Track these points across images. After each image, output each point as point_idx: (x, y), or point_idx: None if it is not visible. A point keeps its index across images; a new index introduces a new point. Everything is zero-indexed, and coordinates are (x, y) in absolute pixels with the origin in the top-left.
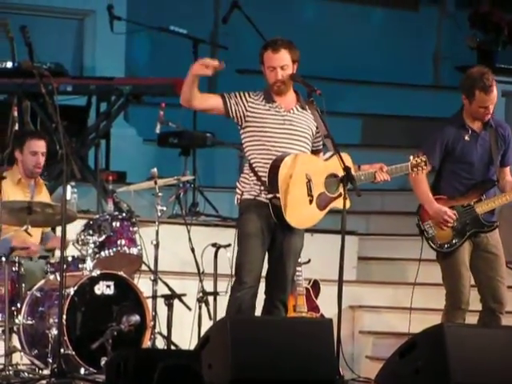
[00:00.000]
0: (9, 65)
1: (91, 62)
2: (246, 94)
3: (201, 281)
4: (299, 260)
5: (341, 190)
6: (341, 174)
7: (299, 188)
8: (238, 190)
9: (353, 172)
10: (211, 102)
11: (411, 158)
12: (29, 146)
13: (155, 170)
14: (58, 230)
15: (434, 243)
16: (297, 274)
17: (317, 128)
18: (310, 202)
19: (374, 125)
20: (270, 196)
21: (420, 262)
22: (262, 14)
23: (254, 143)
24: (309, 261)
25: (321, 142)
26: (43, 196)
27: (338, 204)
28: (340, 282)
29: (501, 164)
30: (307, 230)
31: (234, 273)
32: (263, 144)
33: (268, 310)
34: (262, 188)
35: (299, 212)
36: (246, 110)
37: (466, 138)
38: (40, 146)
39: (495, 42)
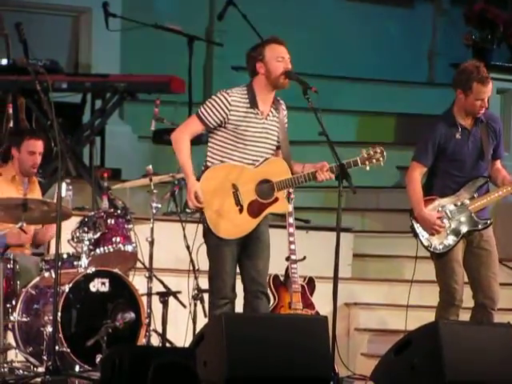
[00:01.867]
0: (4, 62)
1: (86, 59)
2: (227, 105)
3: (196, 278)
4: (294, 257)
5: (276, 194)
6: (273, 178)
7: (224, 199)
8: None
9: (289, 175)
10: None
11: (363, 151)
12: (27, 145)
13: (150, 167)
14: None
15: (428, 245)
16: (292, 271)
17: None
18: (240, 211)
19: (369, 122)
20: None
21: (417, 260)
22: (258, 11)
23: (227, 146)
24: (304, 258)
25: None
26: (35, 194)
27: (275, 209)
28: (335, 279)
29: (492, 157)
30: (302, 228)
31: (209, 284)
32: (237, 149)
33: (248, 301)
34: None
35: (227, 223)
36: (226, 122)
37: (457, 136)
38: (38, 145)
39: (490, 39)
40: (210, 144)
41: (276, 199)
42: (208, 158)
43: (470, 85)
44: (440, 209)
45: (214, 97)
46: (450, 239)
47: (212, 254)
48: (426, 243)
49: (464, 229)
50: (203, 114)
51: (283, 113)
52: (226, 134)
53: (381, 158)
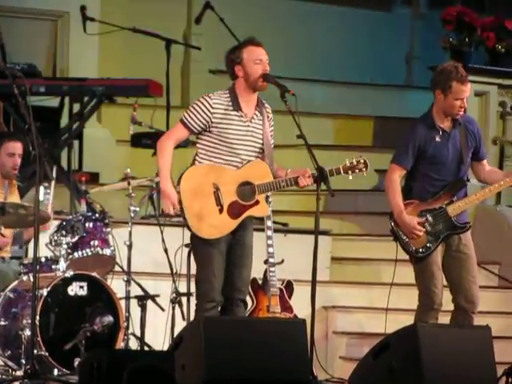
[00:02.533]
0: None
1: (64, 62)
2: (209, 108)
3: (174, 281)
4: (273, 261)
5: (256, 197)
6: (255, 181)
7: (205, 198)
8: None
9: (271, 178)
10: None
11: (347, 160)
12: (6, 147)
13: (128, 170)
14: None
15: (408, 248)
16: (270, 274)
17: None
18: (220, 211)
19: (346, 125)
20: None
21: (396, 263)
22: (235, 15)
23: (212, 150)
24: (282, 261)
25: None
26: (14, 197)
27: (255, 212)
28: (313, 282)
29: (477, 159)
30: (280, 231)
31: (195, 287)
32: (222, 152)
33: (227, 308)
34: None
35: (207, 222)
36: (211, 126)
37: (437, 138)
38: (17, 147)
39: (468, 43)
40: (198, 149)
41: (257, 202)
42: (196, 163)
43: (449, 84)
44: (420, 213)
45: (196, 101)
46: (430, 243)
47: (199, 257)
48: (405, 247)
49: (444, 232)
50: (186, 120)
51: (268, 116)
52: (211, 138)
53: (364, 169)
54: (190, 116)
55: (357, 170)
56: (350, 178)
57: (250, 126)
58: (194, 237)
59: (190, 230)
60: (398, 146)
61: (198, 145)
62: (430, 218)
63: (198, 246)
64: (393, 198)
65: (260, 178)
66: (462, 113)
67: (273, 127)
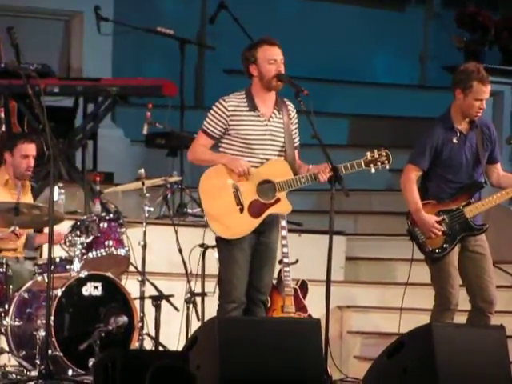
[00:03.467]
0: None
1: (78, 63)
2: (224, 111)
3: (188, 281)
4: (287, 260)
5: (277, 195)
6: (275, 179)
7: (225, 198)
8: None
9: (291, 176)
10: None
11: (368, 153)
12: (20, 149)
13: (142, 170)
14: (45, 230)
15: (425, 248)
16: (285, 274)
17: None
18: (241, 210)
19: (361, 125)
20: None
21: (412, 262)
22: (249, 15)
23: (233, 152)
24: (296, 261)
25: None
26: (28, 198)
27: (277, 209)
28: (328, 282)
29: (491, 162)
30: (295, 231)
31: (218, 287)
32: (243, 154)
33: (248, 309)
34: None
35: (227, 222)
36: (229, 129)
37: (455, 140)
38: (31, 149)
39: (482, 42)
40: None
41: (278, 200)
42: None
43: (470, 84)
44: (437, 213)
45: (212, 107)
46: (446, 243)
47: (223, 257)
48: (422, 247)
49: (460, 233)
50: (206, 127)
51: (290, 114)
52: (230, 141)
53: (386, 161)
54: (208, 123)
55: (379, 163)
56: (373, 171)
57: (269, 125)
58: (218, 237)
59: (212, 230)
60: (416, 146)
61: (220, 148)
62: (446, 219)
63: (222, 246)
64: (410, 196)
65: (280, 176)
66: (480, 114)
67: (297, 125)
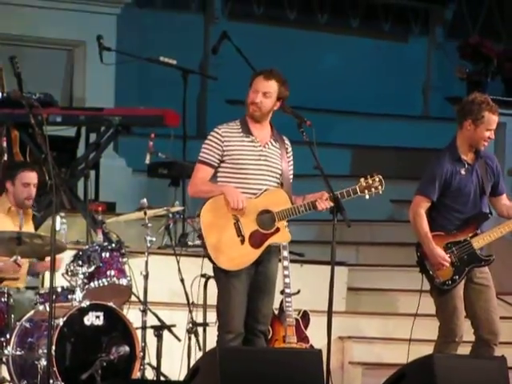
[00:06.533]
0: None
1: (81, 92)
2: (219, 137)
3: (190, 312)
4: (289, 291)
5: (277, 224)
6: (274, 209)
7: (226, 230)
8: None
9: (289, 205)
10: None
11: (362, 180)
12: (21, 177)
13: (145, 200)
14: (47, 259)
15: (435, 280)
16: (286, 304)
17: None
18: (242, 242)
19: (364, 156)
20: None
21: (421, 294)
22: (252, 45)
23: (228, 180)
24: (298, 291)
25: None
26: (29, 227)
27: (277, 239)
28: (329, 312)
29: (497, 194)
30: (297, 261)
31: (216, 318)
32: (238, 180)
33: (248, 339)
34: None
35: (229, 254)
36: (223, 155)
37: (463, 171)
38: (32, 177)
39: (484, 73)
40: (217, 181)
41: (277, 229)
42: None
43: (482, 114)
44: (445, 244)
45: (207, 137)
46: (456, 275)
47: (221, 287)
48: (432, 279)
49: (468, 265)
50: (203, 157)
51: (287, 149)
52: (225, 169)
53: (379, 187)
54: (204, 152)
55: (373, 189)
56: (367, 197)
57: (264, 151)
58: (215, 268)
59: (211, 261)
60: (424, 177)
61: (217, 178)
62: (455, 250)
63: (220, 277)
64: (421, 228)
65: (279, 206)
66: (487, 144)
67: (292, 161)
